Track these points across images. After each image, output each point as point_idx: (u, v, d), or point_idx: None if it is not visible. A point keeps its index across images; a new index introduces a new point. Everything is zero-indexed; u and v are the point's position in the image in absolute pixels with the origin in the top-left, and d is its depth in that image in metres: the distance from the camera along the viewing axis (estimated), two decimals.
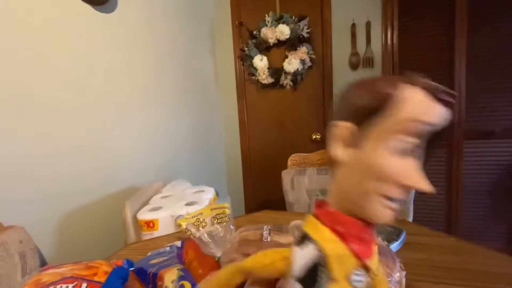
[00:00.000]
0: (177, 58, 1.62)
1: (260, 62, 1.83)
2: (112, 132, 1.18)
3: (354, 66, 1.75)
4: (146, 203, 1.00)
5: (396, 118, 0.12)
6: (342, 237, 0.14)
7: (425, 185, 0.13)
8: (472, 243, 0.61)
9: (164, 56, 1.51)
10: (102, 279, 0.38)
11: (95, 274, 0.39)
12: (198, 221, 0.63)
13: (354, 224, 0.14)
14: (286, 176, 1.14)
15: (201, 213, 0.58)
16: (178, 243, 0.55)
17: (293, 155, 1.24)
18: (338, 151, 0.14)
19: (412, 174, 0.13)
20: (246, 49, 1.87)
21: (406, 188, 0.13)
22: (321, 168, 1.13)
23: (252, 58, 1.85)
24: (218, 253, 0.55)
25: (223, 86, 2.08)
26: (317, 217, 0.15)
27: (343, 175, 0.14)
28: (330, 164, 0.16)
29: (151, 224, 0.85)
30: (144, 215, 0.87)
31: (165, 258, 0.46)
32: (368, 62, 1.72)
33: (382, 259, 0.44)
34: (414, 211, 1.01)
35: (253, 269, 0.16)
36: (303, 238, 0.15)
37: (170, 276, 0.41)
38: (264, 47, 1.85)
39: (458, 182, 1.64)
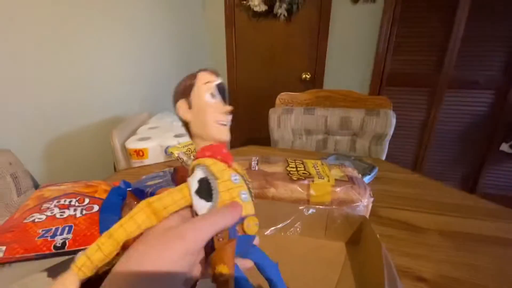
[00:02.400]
0: None
1: None
2: (95, 61, 1.12)
3: None
4: (133, 133, 1.00)
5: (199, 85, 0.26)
6: (216, 158, 0.24)
7: (227, 108, 0.26)
8: (431, 179, 0.69)
9: None
10: (103, 196, 0.42)
11: (95, 191, 0.42)
12: (190, 151, 0.66)
13: (218, 147, 0.25)
14: (273, 114, 1.16)
15: (192, 143, 0.60)
16: (171, 170, 0.58)
17: (282, 93, 1.22)
18: (186, 115, 0.26)
19: (220, 106, 0.26)
20: None
21: (223, 114, 0.26)
22: (308, 108, 1.15)
23: None
24: None
25: (210, 12, 1.87)
26: (200, 155, 0.25)
27: (193, 124, 0.26)
28: (185, 124, 0.26)
29: (140, 153, 0.88)
30: (133, 144, 0.88)
31: (160, 180, 0.49)
32: None
33: (355, 188, 0.50)
34: (388, 151, 1.10)
35: (169, 206, 0.21)
36: (194, 168, 0.24)
37: None
38: None
39: (432, 128, 1.75)
